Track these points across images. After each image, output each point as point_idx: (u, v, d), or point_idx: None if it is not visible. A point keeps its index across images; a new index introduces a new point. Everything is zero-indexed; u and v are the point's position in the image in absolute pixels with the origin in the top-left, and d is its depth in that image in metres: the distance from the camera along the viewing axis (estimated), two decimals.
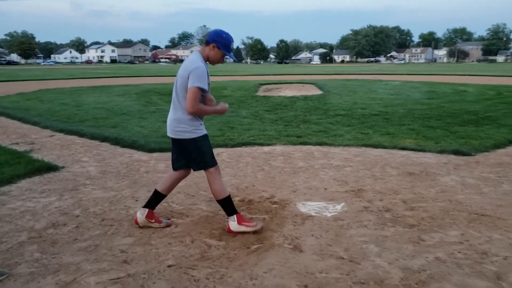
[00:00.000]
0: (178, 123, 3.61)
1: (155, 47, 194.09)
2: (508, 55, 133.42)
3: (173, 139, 3.73)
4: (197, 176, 5.42)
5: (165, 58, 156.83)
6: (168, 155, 6.53)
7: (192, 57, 3.63)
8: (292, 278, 2.94)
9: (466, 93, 16.10)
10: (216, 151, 6.73)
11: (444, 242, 3.49)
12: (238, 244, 3.46)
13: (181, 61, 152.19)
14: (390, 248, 3.38)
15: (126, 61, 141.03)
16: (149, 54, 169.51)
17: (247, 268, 3.07)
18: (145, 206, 3.84)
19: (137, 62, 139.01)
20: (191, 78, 3.45)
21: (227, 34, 3.63)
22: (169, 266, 3.12)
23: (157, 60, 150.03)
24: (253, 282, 2.90)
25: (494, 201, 4.47)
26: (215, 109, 3.70)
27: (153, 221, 3.79)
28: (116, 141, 7.47)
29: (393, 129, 8.62)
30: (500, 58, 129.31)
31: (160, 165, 6.01)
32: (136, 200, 4.56)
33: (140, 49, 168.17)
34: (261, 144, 7.32)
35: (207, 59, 3.64)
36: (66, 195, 4.77)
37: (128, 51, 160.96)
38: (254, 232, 3.64)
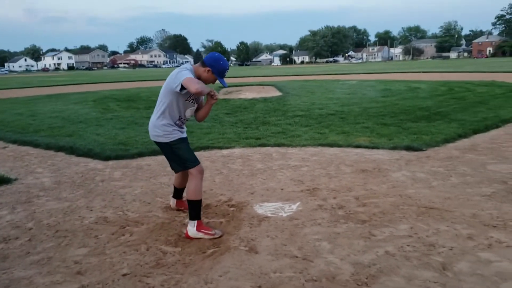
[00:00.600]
0: (153, 127, 3.78)
1: (114, 53, 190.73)
2: (460, 52, 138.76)
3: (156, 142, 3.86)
4: (153, 183, 5.41)
5: (124, 63, 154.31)
6: (125, 162, 6.53)
7: (184, 66, 3.70)
8: (246, 279, 2.98)
9: (419, 90, 16.64)
10: None
11: (394, 236, 3.62)
12: (194, 250, 3.47)
13: (140, 65, 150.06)
14: (342, 244, 3.48)
15: (84, 67, 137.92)
16: (108, 60, 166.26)
17: (203, 273, 3.09)
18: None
19: (95, 68, 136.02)
20: (180, 75, 3.50)
21: (224, 61, 3.71)
22: (124, 275, 3.10)
23: (116, 66, 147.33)
24: (208, 286, 2.92)
25: (442, 194, 4.66)
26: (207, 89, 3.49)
27: (182, 208, 4.31)
28: (72, 150, 7.31)
29: (349, 127, 8.82)
30: (453, 55, 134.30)
31: (116, 173, 5.93)
32: (91, 210, 4.49)
33: (98, 55, 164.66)
34: (220, 148, 7.34)
35: (198, 78, 3.67)
36: (19, 208, 4.64)
37: (86, 57, 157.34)
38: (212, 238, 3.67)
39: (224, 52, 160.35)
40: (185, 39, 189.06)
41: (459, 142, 7.34)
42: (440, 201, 4.44)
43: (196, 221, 3.71)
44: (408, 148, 6.81)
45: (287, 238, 3.65)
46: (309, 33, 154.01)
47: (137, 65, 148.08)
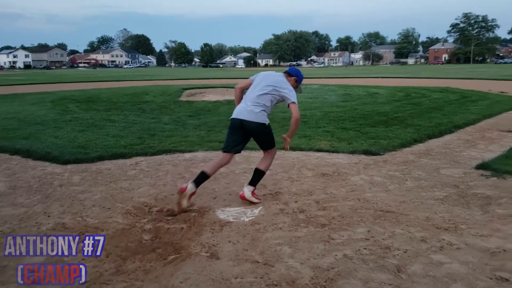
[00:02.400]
0: (262, 114, 4.60)
1: (73, 52, 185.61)
2: (417, 58, 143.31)
3: (248, 124, 4.55)
4: (113, 188, 5.33)
5: (84, 63, 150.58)
6: (84, 166, 6.40)
7: (284, 79, 4.77)
8: (208, 285, 3.00)
9: (378, 95, 17.10)
10: (134, 160, 6.72)
11: (352, 239, 3.73)
12: (155, 256, 3.46)
13: (101, 65, 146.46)
14: (302, 248, 3.56)
15: (42, 66, 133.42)
16: (67, 59, 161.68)
17: (163, 280, 3.09)
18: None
19: (53, 67, 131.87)
20: (292, 96, 4.61)
21: (302, 73, 4.98)
22: (83, 283, 3.05)
23: (75, 65, 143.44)
24: None
25: (398, 198, 4.83)
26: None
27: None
28: (28, 154, 7.09)
29: (310, 131, 8.97)
30: (410, 61, 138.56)
31: (74, 178, 5.80)
32: (49, 216, 4.39)
33: (57, 53, 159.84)
34: (183, 151, 7.31)
35: None
36: None
37: (44, 56, 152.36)
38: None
39: (188, 53, 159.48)
40: (148, 39, 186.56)
41: (415, 146, 7.60)
42: (396, 205, 4.60)
43: (253, 188, 4.70)
44: (367, 152, 7.00)
45: (249, 243, 3.69)
46: (272, 36, 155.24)
47: (97, 64, 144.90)
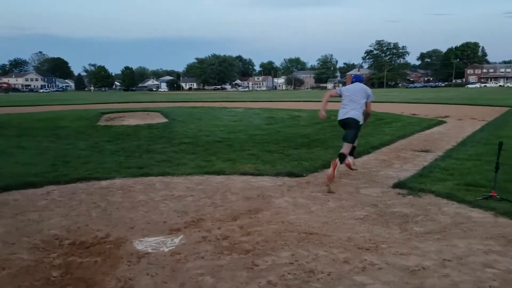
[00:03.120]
0: (359, 114, 6.68)
1: None
2: (335, 82, 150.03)
3: (349, 120, 6.69)
4: (20, 220, 4.87)
5: None
6: None
7: (365, 86, 6.98)
8: None
9: (300, 118, 17.52)
10: (46, 189, 6.24)
11: (276, 264, 3.64)
12: None
13: (14, 89, 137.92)
14: (225, 277, 3.40)
15: None
16: None
17: None
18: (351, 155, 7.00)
19: None
20: (371, 96, 6.92)
21: (362, 77, 7.52)
22: None
23: None
24: None
25: (320, 219, 4.85)
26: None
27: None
28: None
29: (235, 155, 8.91)
30: (329, 85, 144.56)
31: None
32: None
33: None
34: (99, 178, 6.89)
35: None
36: None
37: None
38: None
39: (108, 76, 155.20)
40: (66, 63, 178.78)
41: None
42: (319, 226, 4.61)
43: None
44: (290, 174, 7.04)
45: (168, 274, 3.48)
46: (196, 60, 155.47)
47: (10, 89, 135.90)
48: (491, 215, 4.86)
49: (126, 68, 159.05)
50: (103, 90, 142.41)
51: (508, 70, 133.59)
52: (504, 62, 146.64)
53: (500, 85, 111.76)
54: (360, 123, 6.68)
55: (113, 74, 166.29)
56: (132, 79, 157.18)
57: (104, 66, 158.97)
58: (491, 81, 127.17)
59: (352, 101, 6.72)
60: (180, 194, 5.96)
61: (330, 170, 6.26)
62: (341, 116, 6.80)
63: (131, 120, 16.80)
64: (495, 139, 10.16)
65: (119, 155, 9.01)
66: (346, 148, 6.62)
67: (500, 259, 3.69)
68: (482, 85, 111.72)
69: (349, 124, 6.68)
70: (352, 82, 7.23)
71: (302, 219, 4.85)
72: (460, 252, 3.84)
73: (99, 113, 19.60)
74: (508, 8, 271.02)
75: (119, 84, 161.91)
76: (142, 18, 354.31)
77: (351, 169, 7.07)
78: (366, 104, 6.77)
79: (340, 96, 6.97)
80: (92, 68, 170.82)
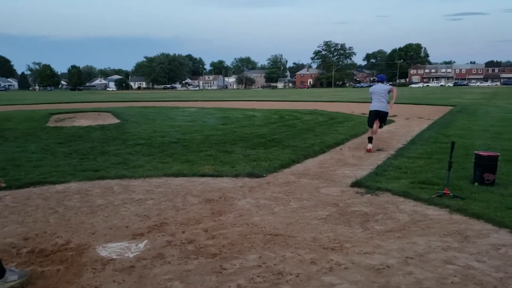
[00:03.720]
0: (385, 105, 9.67)
1: None
2: (286, 82, 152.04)
3: (381, 112, 9.77)
4: None
5: None
6: None
7: (385, 85, 10.08)
8: None
9: (255, 117, 17.60)
10: None
11: (244, 267, 3.64)
12: None
13: None
14: (194, 282, 3.37)
15: None
16: None
17: None
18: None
19: None
20: (394, 89, 10.05)
21: (383, 76, 10.67)
22: None
23: None
24: None
25: (284, 220, 4.89)
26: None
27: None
28: None
29: (192, 156, 8.82)
30: (280, 85, 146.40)
31: None
32: None
33: None
34: (54, 182, 6.62)
35: None
36: None
37: None
38: None
39: (54, 75, 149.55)
40: (8, 61, 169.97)
41: (294, 167, 7.88)
42: (284, 227, 4.65)
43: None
44: (250, 175, 7.06)
45: (136, 281, 3.40)
46: (145, 59, 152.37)
47: None
48: (446, 212, 5.09)
49: (73, 67, 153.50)
50: (49, 89, 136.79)
51: (449, 70, 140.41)
52: (445, 63, 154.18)
53: (441, 85, 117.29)
54: (388, 112, 9.93)
55: (59, 73, 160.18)
56: (79, 78, 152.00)
57: (49, 65, 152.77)
58: (433, 81, 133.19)
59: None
60: (140, 198, 5.83)
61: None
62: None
63: (82, 121, 16.28)
64: (443, 138, 10.67)
65: (72, 157, 8.68)
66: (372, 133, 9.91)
67: (458, 255, 3.88)
68: (425, 84, 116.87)
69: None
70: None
71: (266, 220, 4.88)
72: (421, 250, 4.00)
73: (47, 113, 18.86)
74: (448, 11, 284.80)
75: (65, 83, 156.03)
76: (89, 16, 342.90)
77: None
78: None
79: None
80: (37, 66, 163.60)
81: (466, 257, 3.82)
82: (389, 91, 9.82)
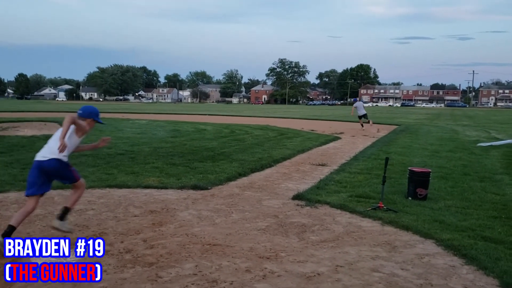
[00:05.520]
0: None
1: None
2: (240, 97, 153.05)
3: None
4: None
5: None
6: None
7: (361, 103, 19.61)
8: None
9: (205, 131, 17.67)
10: None
11: (180, 276, 3.71)
12: None
13: None
14: None
15: None
16: None
17: None
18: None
19: None
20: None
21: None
22: None
23: None
24: None
25: (224, 230, 4.99)
26: None
27: None
28: None
29: (138, 168, 8.77)
30: (234, 100, 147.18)
31: None
32: None
33: None
34: None
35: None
36: None
37: None
38: None
39: (0, 83, 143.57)
40: None
41: (240, 180, 8.01)
42: (223, 237, 4.75)
43: None
44: (195, 187, 7.12)
45: None
46: (97, 69, 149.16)
47: None
48: (379, 224, 5.36)
49: (20, 75, 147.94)
50: None
51: (397, 91, 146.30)
52: (393, 84, 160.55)
53: (389, 105, 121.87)
54: None
55: (6, 81, 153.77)
56: (27, 87, 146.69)
57: None
58: (382, 100, 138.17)
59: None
60: (80, 208, 5.76)
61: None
62: None
63: (27, 130, 15.77)
64: (383, 154, 11.14)
65: (13, 167, 8.42)
66: None
67: (385, 263, 4.11)
68: (375, 104, 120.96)
69: None
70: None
71: (206, 231, 4.96)
72: (351, 258, 4.21)
73: None
74: (397, 35, 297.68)
75: (12, 91, 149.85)
76: (38, 23, 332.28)
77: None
78: None
79: None
80: None
81: (392, 266, 4.06)
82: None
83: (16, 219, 4.28)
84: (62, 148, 4.00)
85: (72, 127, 4.24)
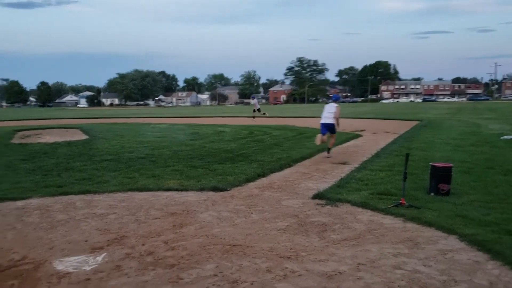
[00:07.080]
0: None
1: None
2: (259, 98, 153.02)
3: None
4: None
5: None
6: None
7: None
8: None
9: (224, 133, 17.71)
10: None
11: (201, 277, 3.71)
12: None
13: None
14: None
15: None
16: None
17: None
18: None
19: None
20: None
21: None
22: None
23: None
24: None
25: (244, 231, 4.99)
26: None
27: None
28: None
29: (159, 171, 8.84)
30: (252, 101, 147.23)
31: None
32: None
33: None
34: (14, 199, 6.55)
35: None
36: None
37: None
38: None
39: (22, 92, 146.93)
40: None
41: (259, 181, 7.99)
42: (243, 238, 4.74)
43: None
44: (215, 189, 7.14)
45: None
46: (117, 75, 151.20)
47: None
48: (401, 221, 5.28)
49: (42, 83, 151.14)
50: (16, 106, 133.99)
51: (418, 86, 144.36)
52: (414, 79, 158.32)
53: (411, 101, 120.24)
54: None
55: (28, 90, 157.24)
56: (49, 94, 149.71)
57: (17, 81, 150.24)
58: (403, 96, 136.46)
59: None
60: (102, 212, 5.83)
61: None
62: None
63: (49, 137, 16.07)
64: (405, 151, 10.96)
65: (35, 174, 8.58)
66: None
67: (407, 260, 4.04)
68: (395, 100, 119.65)
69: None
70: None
71: (226, 232, 4.96)
72: (373, 256, 4.15)
73: (12, 130, 18.53)
74: (416, 29, 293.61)
75: (34, 100, 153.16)
76: (59, 32, 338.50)
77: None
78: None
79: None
80: (5, 82, 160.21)
81: (414, 262, 3.99)
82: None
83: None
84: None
85: None
